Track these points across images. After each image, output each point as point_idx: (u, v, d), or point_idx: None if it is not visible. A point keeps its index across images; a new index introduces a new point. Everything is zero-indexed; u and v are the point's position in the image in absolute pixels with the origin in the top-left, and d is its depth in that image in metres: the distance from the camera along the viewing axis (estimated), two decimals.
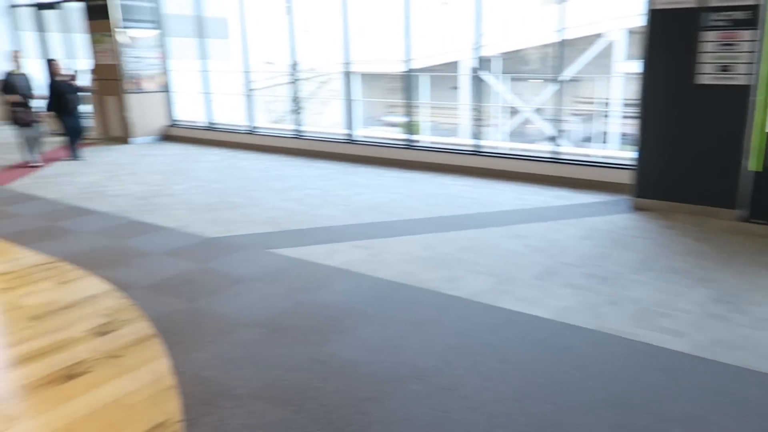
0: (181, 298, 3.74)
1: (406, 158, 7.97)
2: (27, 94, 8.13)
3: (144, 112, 10.57)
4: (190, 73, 10.60)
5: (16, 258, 4.51)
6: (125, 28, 10.11)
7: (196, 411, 2.53)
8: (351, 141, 8.68)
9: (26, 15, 12.93)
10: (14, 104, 8.00)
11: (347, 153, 8.57)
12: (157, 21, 10.51)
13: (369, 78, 15.89)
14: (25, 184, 7.25)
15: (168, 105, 10.91)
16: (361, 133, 8.98)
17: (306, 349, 3.06)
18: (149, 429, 2.40)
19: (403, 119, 8.57)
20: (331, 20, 9.67)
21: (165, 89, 10.83)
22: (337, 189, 6.70)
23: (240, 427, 2.42)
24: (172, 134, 10.83)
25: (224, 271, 4.19)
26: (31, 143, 8.36)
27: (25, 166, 8.29)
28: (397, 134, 9.11)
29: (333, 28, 8.89)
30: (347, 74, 8.67)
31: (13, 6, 12.97)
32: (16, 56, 8.33)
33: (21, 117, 8.13)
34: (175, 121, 10.97)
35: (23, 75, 8.22)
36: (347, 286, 3.91)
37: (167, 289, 3.87)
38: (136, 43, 10.29)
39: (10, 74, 8.09)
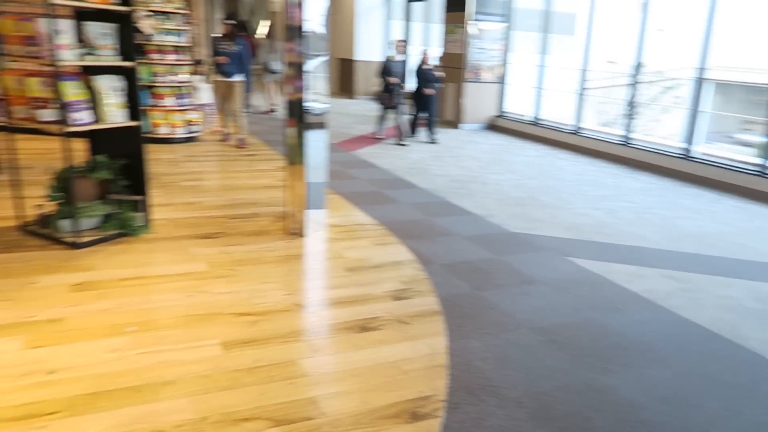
0: (470, 283, 3.86)
1: (756, 187, 6.72)
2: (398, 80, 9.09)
3: (477, 100, 11.14)
4: (527, 66, 10.74)
5: (348, 215, 5.24)
6: (477, 20, 10.73)
7: (459, 397, 2.59)
8: (687, 157, 7.70)
9: (397, 5, 14.77)
10: (385, 87, 9.05)
11: (680, 170, 7.64)
12: (506, 14, 10.89)
13: (725, 88, 13.82)
14: (367, 152, 8.38)
15: (499, 96, 11.29)
16: (701, 149, 7.89)
17: (583, 372, 2.85)
18: (415, 398, 2.54)
19: (762, 140, 7.23)
20: (691, 19, 8.64)
21: (500, 81, 11.21)
22: (658, 207, 6.04)
23: (496, 428, 2.39)
24: (498, 125, 11.19)
25: (517, 268, 4.17)
26: (387, 121, 9.31)
27: (373, 139, 9.55)
28: (750, 157, 7.74)
29: (692, 28, 7.93)
30: (699, 81, 7.67)
31: None
32: (399, 45, 9.40)
33: (386, 99, 9.16)
34: (503, 112, 11.30)
35: (400, 62, 9.19)
36: (645, 317, 3.51)
37: (460, 272, 4.03)
38: (482, 35, 10.85)
39: (389, 60, 9.17)
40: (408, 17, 14.29)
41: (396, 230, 4.83)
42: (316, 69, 4.34)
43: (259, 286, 3.59)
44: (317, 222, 4.64)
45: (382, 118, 9.42)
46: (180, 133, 7.93)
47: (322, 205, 4.69)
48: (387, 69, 9.06)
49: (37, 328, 2.91)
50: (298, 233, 4.53)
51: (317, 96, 4.38)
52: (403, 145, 9.05)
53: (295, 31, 4.16)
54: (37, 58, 3.66)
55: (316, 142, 4.44)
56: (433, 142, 9.39)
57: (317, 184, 4.56)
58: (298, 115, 4.33)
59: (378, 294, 3.60)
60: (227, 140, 8.18)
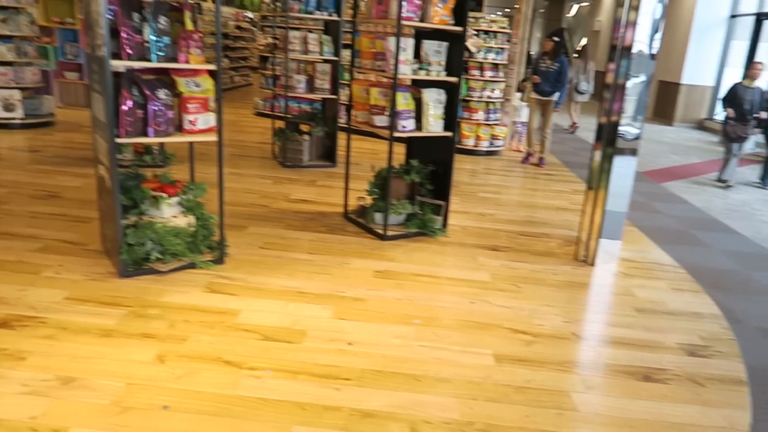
0: None
1: None
2: (750, 109, 7.57)
3: None
4: None
5: (645, 250, 4.83)
6: None
7: None
8: None
9: (743, 24, 12.94)
10: (733, 116, 7.65)
11: None
12: None
13: None
14: (678, 186, 7.57)
15: None
16: None
17: None
18: None
19: None
20: None
21: None
22: None
23: None
24: None
25: None
26: (730, 158, 7.90)
27: (691, 171, 8.60)
28: None
29: None
30: None
31: (734, 16, 13.16)
32: (755, 69, 7.77)
33: (731, 130, 7.73)
34: None
35: (756, 89, 7.63)
36: None
37: None
38: None
39: (738, 85, 7.73)
40: (756, 37, 12.43)
41: (700, 277, 4.27)
42: (634, 91, 4.09)
43: (539, 307, 3.56)
44: (609, 253, 4.39)
45: (727, 152, 7.91)
46: (484, 146, 8.31)
47: (618, 236, 4.41)
48: (735, 96, 7.64)
49: (344, 303, 3.39)
50: (587, 261, 4.36)
51: (630, 120, 4.13)
52: (724, 182, 7.86)
53: (620, 51, 3.99)
54: (381, 71, 4.25)
55: (621, 169, 4.19)
56: (764, 185, 7.94)
57: (616, 213, 4.31)
58: (608, 139, 4.15)
59: (669, 344, 3.24)
60: (527, 162, 8.09)
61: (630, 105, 4.09)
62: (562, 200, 6.24)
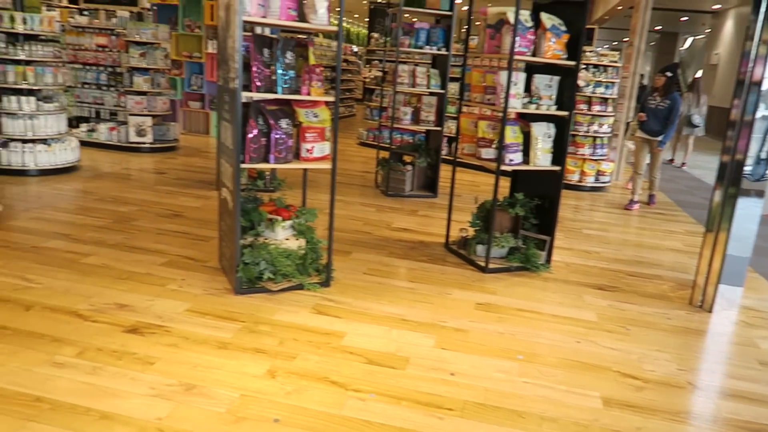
0: None
1: None
2: None
3: None
4: None
5: None
6: None
7: None
8: None
9: None
10: None
11: None
12: None
13: None
14: None
15: None
16: None
17: None
18: None
19: None
20: None
21: None
22: None
23: None
24: None
25: None
26: None
27: None
28: None
29: None
30: None
31: None
32: None
33: None
34: None
35: None
36: None
37: None
38: None
39: None
40: None
41: None
42: (761, 129, 3.86)
43: (650, 352, 3.38)
44: (729, 300, 4.11)
45: None
46: (589, 181, 8.07)
47: (739, 282, 4.13)
48: None
49: (445, 333, 3.40)
50: (703, 307, 4.10)
51: (757, 159, 3.89)
52: None
53: (747, 87, 3.79)
54: (490, 104, 4.30)
55: (745, 211, 3.94)
56: None
57: (737, 258, 4.04)
58: (731, 178, 3.92)
59: None
60: (631, 207, 7.28)
61: (756, 143, 3.86)
62: (673, 241, 5.92)
